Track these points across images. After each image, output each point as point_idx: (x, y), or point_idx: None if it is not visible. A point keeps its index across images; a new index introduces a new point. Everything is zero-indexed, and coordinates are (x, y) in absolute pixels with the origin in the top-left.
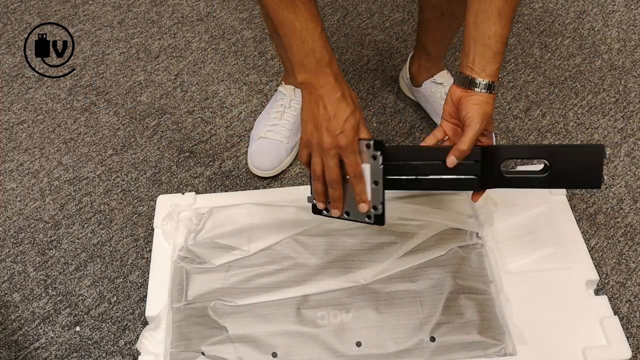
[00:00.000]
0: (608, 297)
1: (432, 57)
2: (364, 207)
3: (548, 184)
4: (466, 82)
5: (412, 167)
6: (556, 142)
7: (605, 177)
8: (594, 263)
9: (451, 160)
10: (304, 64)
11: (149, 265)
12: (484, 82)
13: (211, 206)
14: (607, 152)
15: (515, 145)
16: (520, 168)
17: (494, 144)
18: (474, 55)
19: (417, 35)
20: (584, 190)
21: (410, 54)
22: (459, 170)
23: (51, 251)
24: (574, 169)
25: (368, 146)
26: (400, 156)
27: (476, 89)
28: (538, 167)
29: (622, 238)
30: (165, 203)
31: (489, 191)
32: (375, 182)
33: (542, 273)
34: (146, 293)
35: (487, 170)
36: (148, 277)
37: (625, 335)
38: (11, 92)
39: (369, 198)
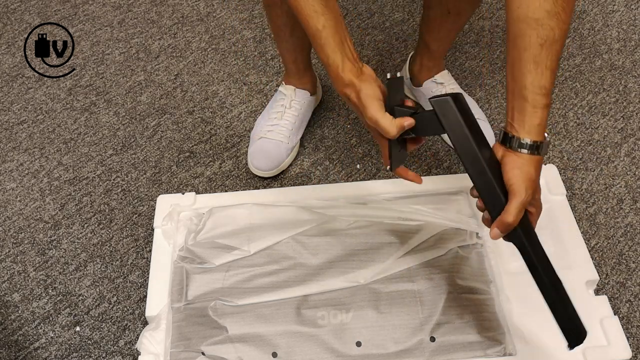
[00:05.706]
0: (608, 297)
1: (434, 55)
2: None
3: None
4: (506, 140)
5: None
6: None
7: (606, 178)
8: (594, 263)
9: (495, 233)
10: (330, 73)
11: (149, 265)
12: (524, 142)
13: (211, 206)
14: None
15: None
16: None
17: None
18: (512, 110)
19: (420, 32)
20: (584, 190)
21: (411, 54)
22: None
23: (51, 251)
24: None
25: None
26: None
27: (517, 149)
28: None
29: (622, 238)
30: (165, 203)
31: None
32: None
33: None
34: (146, 293)
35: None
36: (148, 277)
37: (625, 335)
38: (11, 92)
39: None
